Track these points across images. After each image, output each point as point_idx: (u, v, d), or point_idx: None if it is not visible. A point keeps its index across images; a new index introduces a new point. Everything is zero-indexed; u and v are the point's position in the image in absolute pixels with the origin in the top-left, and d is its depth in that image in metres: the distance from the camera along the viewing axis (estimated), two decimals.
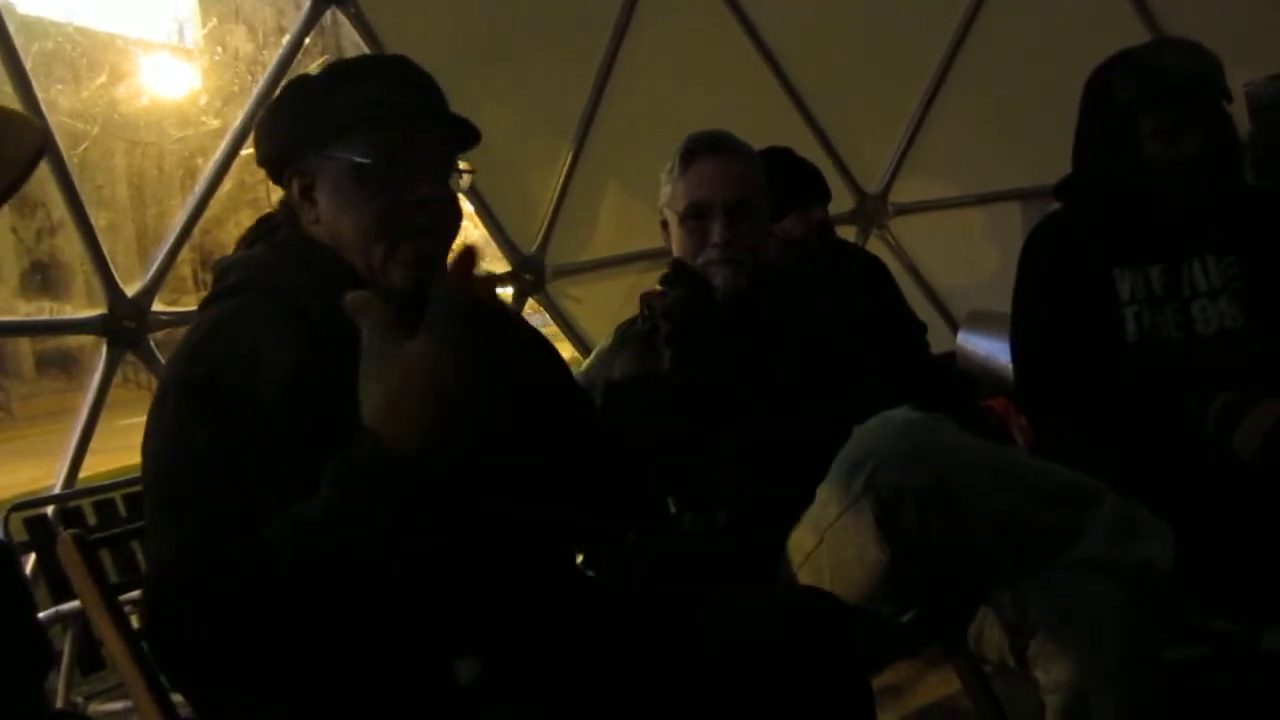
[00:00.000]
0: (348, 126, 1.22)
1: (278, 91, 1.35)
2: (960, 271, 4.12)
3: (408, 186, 1.22)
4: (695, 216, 1.76)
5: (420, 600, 1.04)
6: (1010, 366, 2.02)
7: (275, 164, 1.30)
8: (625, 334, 1.87)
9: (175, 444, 1.11)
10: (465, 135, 1.31)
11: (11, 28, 2.43)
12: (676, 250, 1.82)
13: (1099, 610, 1.33)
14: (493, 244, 3.41)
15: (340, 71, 1.28)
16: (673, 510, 1.75)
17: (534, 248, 3.37)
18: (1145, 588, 1.35)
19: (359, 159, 1.21)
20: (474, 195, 3.21)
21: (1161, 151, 1.82)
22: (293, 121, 1.27)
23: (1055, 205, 2.04)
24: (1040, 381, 1.92)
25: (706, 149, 1.78)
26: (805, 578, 1.51)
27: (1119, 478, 1.46)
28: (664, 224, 1.85)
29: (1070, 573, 1.37)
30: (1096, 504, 1.40)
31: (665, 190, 1.82)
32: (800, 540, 1.51)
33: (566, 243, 3.45)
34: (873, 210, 3.97)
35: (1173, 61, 1.82)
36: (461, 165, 1.31)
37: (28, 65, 2.46)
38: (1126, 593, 1.35)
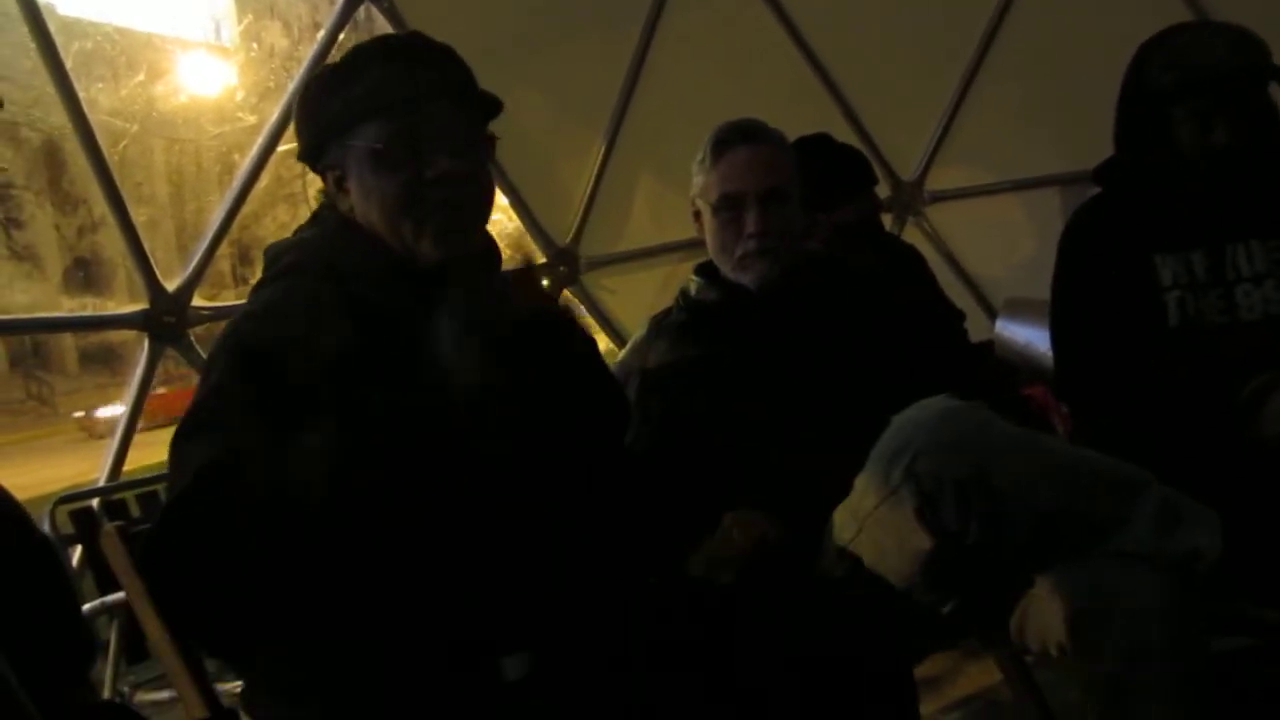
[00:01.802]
0: (360, 115, 1.26)
1: (302, 88, 1.39)
2: (998, 259, 4.08)
3: (424, 164, 1.25)
4: (729, 207, 1.76)
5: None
6: (1049, 354, 2.00)
7: (310, 159, 1.34)
8: (661, 324, 1.86)
9: (215, 396, 1.15)
10: (484, 106, 1.34)
11: (52, 28, 2.47)
12: (710, 241, 1.81)
13: (1144, 600, 1.31)
14: (527, 236, 3.42)
15: (351, 61, 1.31)
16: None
17: (568, 239, 3.38)
18: (1191, 577, 1.33)
19: (373, 145, 1.25)
20: (508, 188, 3.22)
21: (1191, 141, 1.79)
22: (314, 117, 1.31)
23: (1095, 190, 2.02)
24: (1080, 369, 1.90)
25: (738, 138, 1.77)
26: (845, 567, 1.50)
27: (1162, 465, 1.44)
28: (696, 214, 1.84)
29: (1114, 562, 1.34)
30: (1141, 492, 1.38)
31: (697, 181, 1.81)
32: (840, 530, 1.50)
33: (601, 234, 3.45)
34: (908, 198, 3.94)
35: (1207, 51, 1.78)
36: (489, 134, 1.34)
37: (68, 65, 2.50)
38: (1172, 582, 1.32)
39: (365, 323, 1.20)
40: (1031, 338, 2.98)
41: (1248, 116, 1.78)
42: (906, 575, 1.41)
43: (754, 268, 1.76)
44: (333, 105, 1.28)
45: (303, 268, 1.29)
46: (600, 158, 3.37)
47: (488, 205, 1.34)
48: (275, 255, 1.33)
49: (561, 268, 3.37)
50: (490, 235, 1.38)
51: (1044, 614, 1.40)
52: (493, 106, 1.34)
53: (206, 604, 1.05)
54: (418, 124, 1.25)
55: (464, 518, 1.16)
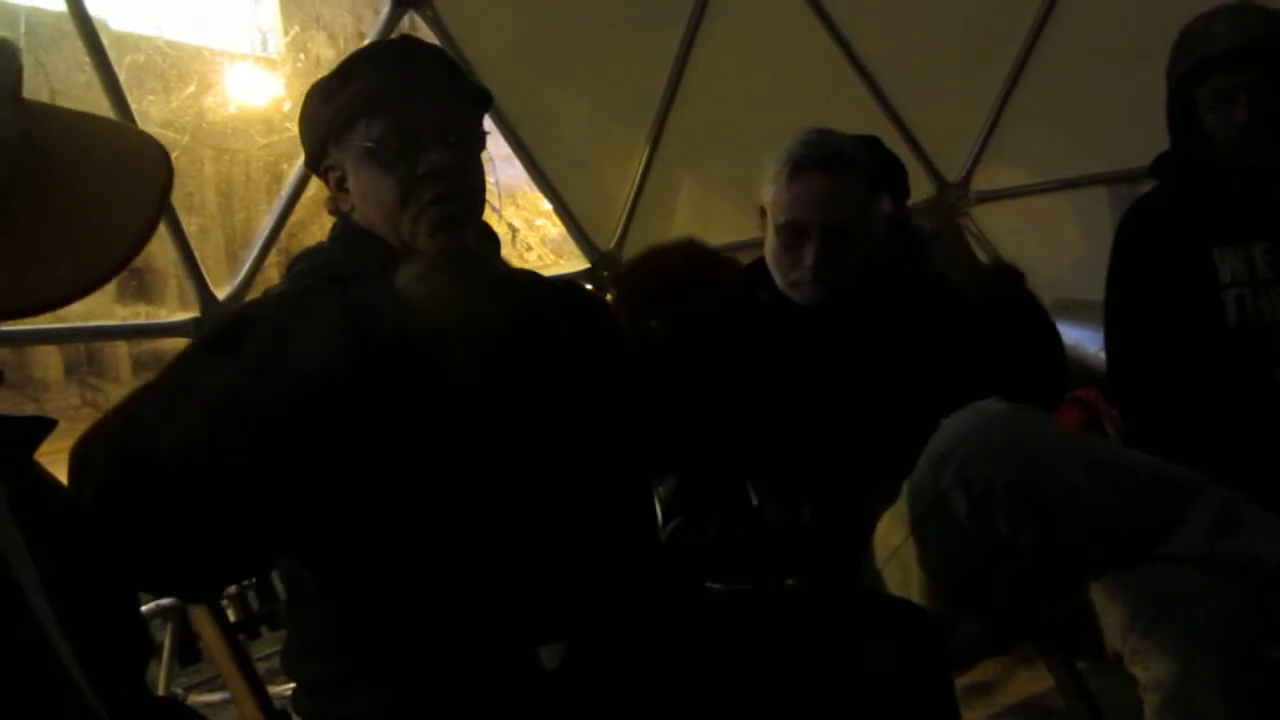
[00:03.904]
0: (352, 116, 1.29)
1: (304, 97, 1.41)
2: (1046, 259, 4.02)
3: (416, 160, 1.28)
4: (792, 233, 1.73)
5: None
6: (1099, 356, 1.97)
7: (313, 164, 1.39)
8: None
9: (193, 353, 1.13)
10: (474, 99, 1.36)
11: (106, 42, 2.51)
12: (768, 250, 1.79)
13: (1200, 606, 1.29)
14: (570, 241, 3.43)
15: (344, 67, 1.35)
16: (755, 503, 1.75)
17: (612, 244, 3.38)
18: (1251, 583, 1.30)
19: (365, 143, 1.28)
20: (551, 193, 3.23)
21: (1218, 122, 1.79)
22: (312, 122, 1.35)
23: (1145, 188, 1.99)
24: (1134, 369, 1.87)
25: (813, 164, 1.71)
26: (892, 573, 1.49)
27: (1219, 469, 1.41)
28: (761, 211, 1.81)
29: (1169, 567, 1.32)
30: (1196, 496, 1.36)
31: (768, 188, 1.77)
32: (887, 535, 1.49)
33: (644, 238, 3.43)
34: (954, 199, 3.90)
35: (1217, 30, 1.78)
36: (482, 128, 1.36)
37: (121, 78, 2.54)
38: (1229, 588, 1.30)
39: (361, 321, 1.16)
40: (1081, 339, 2.94)
41: (1269, 88, 1.76)
42: (956, 580, 1.40)
43: (805, 294, 1.75)
44: (328, 108, 1.32)
45: (311, 272, 1.33)
46: (643, 162, 3.37)
47: (482, 199, 1.36)
48: (293, 263, 1.37)
49: (605, 272, 3.37)
50: (488, 225, 1.39)
51: (1096, 620, 1.38)
52: (483, 99, 1.37)
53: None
54: (407, 120, 1.28)
55: (488, 512, 1.17)
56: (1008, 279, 1.76)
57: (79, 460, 1.03)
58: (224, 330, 1.13)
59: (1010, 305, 1.72)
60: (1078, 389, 2.59)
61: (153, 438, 1.01)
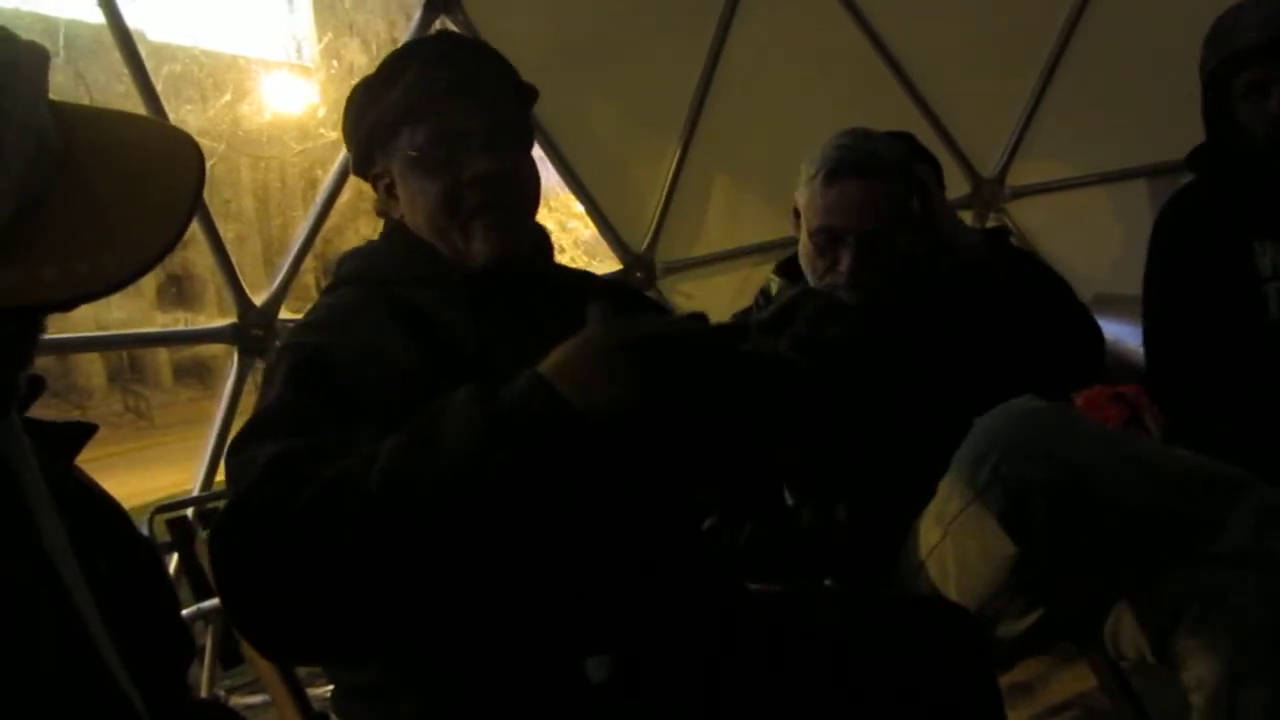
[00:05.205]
0: (396, 122, 1.26)
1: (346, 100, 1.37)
2: (1084, 255, 3.98)
3: (462, 166, 1.24)
4: (827, 238, 1.71)
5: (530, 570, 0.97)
6: (1140, 351, 1.95)
7: (360, 170, 1.36)
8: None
9: (276, 406, 1.11)
10: (519, 97, 1.32)
11: (143, 53, 2.55)
12: (802, 254, 1.78)
13: (1247, 604, 1.26)
14: (603, 243, 3.44)
15: (386, 68, 1.31)
16: (790, 504, 1.74)
17: (644, 246, 3.38)
18: None
19: (409, 151, 1.26)
20: (584, 195, 3.24)
21: (1251, 114, 1.77)
22: (356, 128, 1.32)
23: (1184, 180, 1.96)
24: (1174, 365, 1.85)
25: (849, 169, 1.68)
26: (931, 572, 1.48)
27: (1262, 466, 1.39)
28: (795, 212, 1.80)
29: (1214, 565, 1.30)
30: (1239, 493, 1.34)
31: (803, 190, 1.75)
32: (924, 535, 1.48)
33: (676, 239, 3.44)
34: (989, 195, 3.87)
35: (1248, 23, 1.76)
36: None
37: (159, 87, 2.58)
38: (1275, 586, 1.28)
39: (417, 329, 1.20)
40: (1121, 334, 2.90)
41: None
42: (993, 582, 1.39)
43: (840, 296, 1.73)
44: (371, 114, 1.29)
45: (359, 276, 1.30)
46: (675, 163, 3.37)
47: (533, 199, 1.32)
48: (339, 265, 1.35)
49: (638, 274, 3.38)
50: (541, 227, 1.35)
51: (1139, 619, 1.37)
52: (528, 96, 1.33)
53: (277, 600, 0.91)
54: (450, 125, 1.25)
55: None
56: (995, 232, 1.84)
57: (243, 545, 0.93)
58: (297, 383, 1.10)
59: (1009, 254, 1.76)
60: (1119, 385, 2.56)
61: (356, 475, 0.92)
